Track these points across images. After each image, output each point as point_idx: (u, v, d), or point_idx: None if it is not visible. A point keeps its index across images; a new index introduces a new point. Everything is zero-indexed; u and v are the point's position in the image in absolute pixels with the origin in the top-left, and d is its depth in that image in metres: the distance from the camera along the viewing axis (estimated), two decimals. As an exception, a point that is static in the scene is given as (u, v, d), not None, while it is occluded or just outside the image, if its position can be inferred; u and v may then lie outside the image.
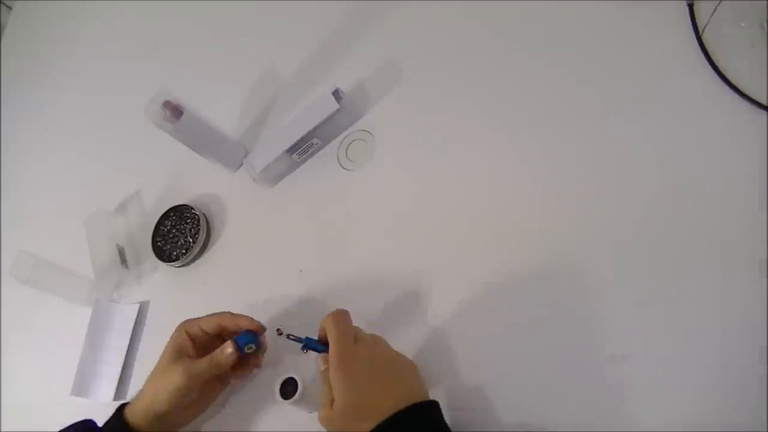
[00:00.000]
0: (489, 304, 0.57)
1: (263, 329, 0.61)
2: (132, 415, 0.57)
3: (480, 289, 0.58)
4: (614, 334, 0.51)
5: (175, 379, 0.56)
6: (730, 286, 0.48)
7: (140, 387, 0.59)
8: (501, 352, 0.55)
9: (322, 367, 0.51)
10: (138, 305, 0.78)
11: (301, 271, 0.68)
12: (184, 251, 0.77)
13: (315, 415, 0.52)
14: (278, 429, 0.61)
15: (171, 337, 0.60)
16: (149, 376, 0.59)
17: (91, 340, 0.78)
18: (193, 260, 0.77)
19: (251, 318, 0.60)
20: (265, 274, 0.71)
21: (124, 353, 0.75)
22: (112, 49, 1.07)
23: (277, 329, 0.66)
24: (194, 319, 0.61)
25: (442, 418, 0.48)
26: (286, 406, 0.55)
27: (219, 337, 0.61)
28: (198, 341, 0.60)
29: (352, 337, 0.51)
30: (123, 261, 0.82)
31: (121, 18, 1.09)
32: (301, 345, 0.54)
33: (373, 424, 0.45)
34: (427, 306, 0.60)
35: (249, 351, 0.59)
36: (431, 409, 0.48)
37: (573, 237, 0.55)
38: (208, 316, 0.61)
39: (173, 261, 0.77)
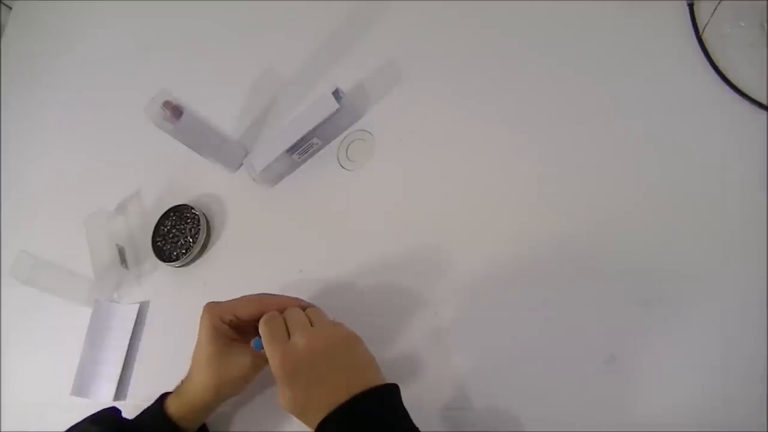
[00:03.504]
0: (489, 303, 0.57)
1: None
2: (176, 407, 0.56)
3: (480, 288, 0.58)
4: (614, 333, 0.51)
5: (244, 368, 0.55)
6: (731, 286, 0.48)
7: (140, 387, 0.59)
8: (499, 351, 0.55)
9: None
10: (138, 305, 0.78)
11: (301, 271, 0.68)
12: (184, 251, 0.77)
13: None
14: (286, 429, 0.62)
15: (204, 324, 0.56)
16: (196, 366, 0.57)
17: (91, 340, 0.78)
18: (193, 260, 0.77)
19: (294, 298, 0.58)
20: (265, 274, 0.71)
21: (124, 353, 0.75)
22: (112, 49, 1.07)
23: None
24: (224, 304, 0.57)
25: (401, 403, 0.47)
26: None
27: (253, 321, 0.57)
28: (233, 327, 0.57)
29: (282, 335, 0.50)
30: (123, 261, 0.82)
31: (121, 18, 1.09)
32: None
33: (324, 413, 0.45)
34: (428, 306, 0.60)
35: None
36: (387, 393, 0.47)
37: (573, 237, 0.55)
38: (243, 303, 0.57)
39: (173, 261, 0.77)
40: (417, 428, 0.46)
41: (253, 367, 0.56)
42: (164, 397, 0.59)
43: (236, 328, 0.57)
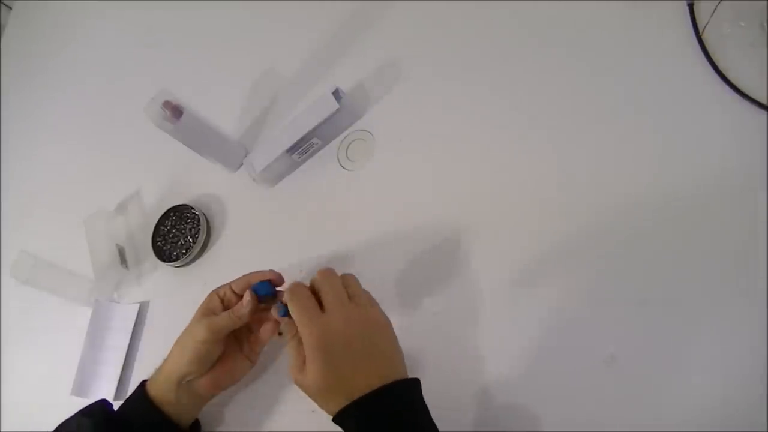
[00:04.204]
0: (488, 303, 0.57)
1: (281, 280, 0.60)
2: (154, 388, 0.57)
3: (480, 289, 0.58)
4: (614, 333, 0.51)
5: (197, 333, 0.56)
6: (730, 285, 0.48)
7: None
8: (497, 351, 0.55)
9: (288, 336, 0.51)
10: (138, 305, 0.78)
11: (301, 271, 0.68)
12: (184, 251, 0.77)
13: None
14: (278, 428, 0.62)
15: (203, 302, 0.60)
16: (174, 343, 0.59)
17: (91, 340, 0.78)
18: (193, 260, 0.77)
19: (273, 270, 0.60)
20: (265, 274, 0.71)
21: (124, 353, 0.75)
22: (112, 49, 1.07)
23: (279, 331, 0.66)
24: (224, 283, 0.61)
25: (421, 398, 0.47)
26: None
27: None
28: (227, 303, 0.60)
29: (315, 307, 0.49)
30: (123, 261, 0.82)
31: (121, 18, 1.09)
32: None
33: (346, 400, 0.45)
34: (427, 306, 0.60)
35: (265, 301, 0.59)
36: (409, 388, 0.47)
37: (573, 236, 0.55)
38: (237, 279, 0.60)
39: (173, 261, 0.77)
40: (434, 424, 0.46)
41: (207, 336, 0.56)
42: (144, 382, 0.59)
43: (228, 305, 0.59)
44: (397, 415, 0.45)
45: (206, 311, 0.59)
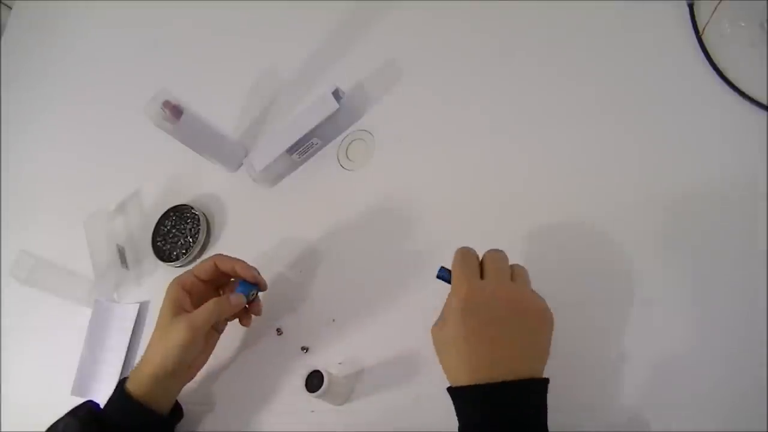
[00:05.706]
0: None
1: (263, 282, 0.63)
2: (135, 386, 0.58)
3: (480, 289, 0.58)
4: (615, 333, 0.51)
5: (179, 334, 0.57)
6: (731, 286, 0.48)
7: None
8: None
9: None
10: (138, 305, 0.78)
11: (300, 271, 0.68)
12: (184, 251, 0.77)
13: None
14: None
15: (166, 295, 0.60)
16: (150, 340, 0.59)
17: (91, 340, 0.78)
18: (193, 260, 0.77)
19: (245, 263, 0.62)
20: (265, 274, 0.70)
21: (124, 353, 0.75)
22: (112, 49, 1.07)
23: (277, 329, 0.67)
24: (185, 272, 0.62)
25: (544, 403, 0.44)
26: (312, 398, 0.55)
27: (213, 282, 0.63)
28: (194, 292, 0.61)
29: (474, 269, 0.47)
30: (123, 261, 0.82)
31: (121, 18, 1.09)
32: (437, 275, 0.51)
33: (465, 378, 0.43)
34: (428, 306, 0.60)
35: (252, 298, 0.63)
36: (544, 390, 0.44)
37: (574, 237, 0.55)
38: (199, 264, 0.62)
39: (173, 261, 0.77)
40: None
41: (191, 337, 0.57)
42: (125, 379, 0.60)
43: (195, 294, 0.61)
44: (525, 417, 0.42)
45: (175, 307, 0.59)
